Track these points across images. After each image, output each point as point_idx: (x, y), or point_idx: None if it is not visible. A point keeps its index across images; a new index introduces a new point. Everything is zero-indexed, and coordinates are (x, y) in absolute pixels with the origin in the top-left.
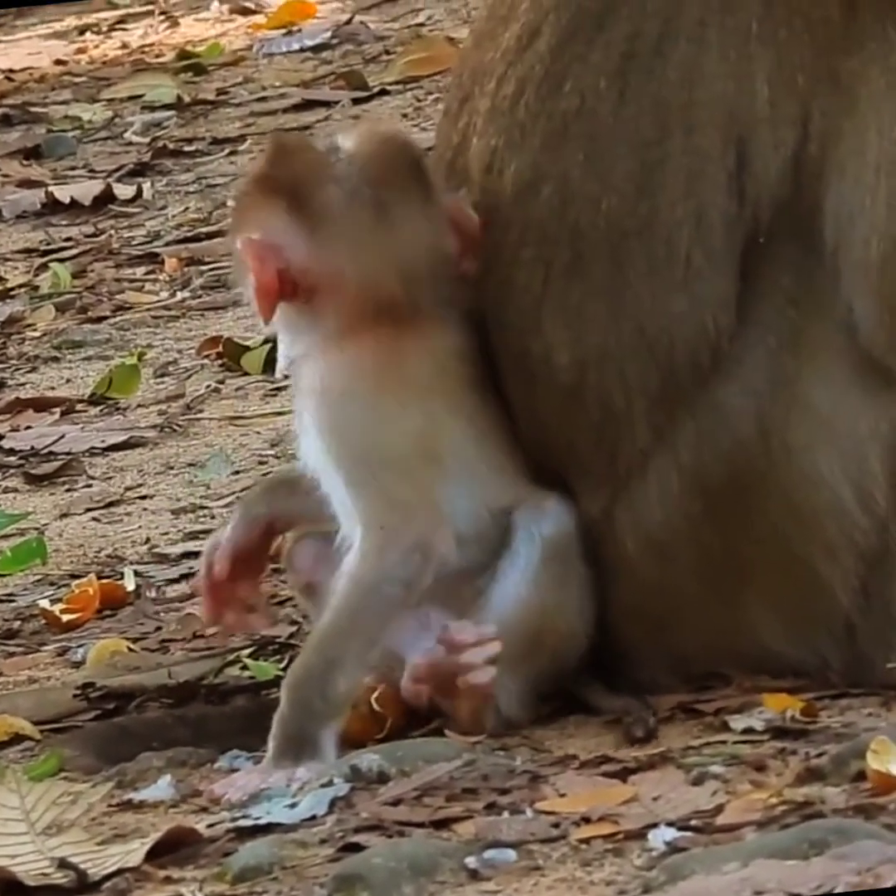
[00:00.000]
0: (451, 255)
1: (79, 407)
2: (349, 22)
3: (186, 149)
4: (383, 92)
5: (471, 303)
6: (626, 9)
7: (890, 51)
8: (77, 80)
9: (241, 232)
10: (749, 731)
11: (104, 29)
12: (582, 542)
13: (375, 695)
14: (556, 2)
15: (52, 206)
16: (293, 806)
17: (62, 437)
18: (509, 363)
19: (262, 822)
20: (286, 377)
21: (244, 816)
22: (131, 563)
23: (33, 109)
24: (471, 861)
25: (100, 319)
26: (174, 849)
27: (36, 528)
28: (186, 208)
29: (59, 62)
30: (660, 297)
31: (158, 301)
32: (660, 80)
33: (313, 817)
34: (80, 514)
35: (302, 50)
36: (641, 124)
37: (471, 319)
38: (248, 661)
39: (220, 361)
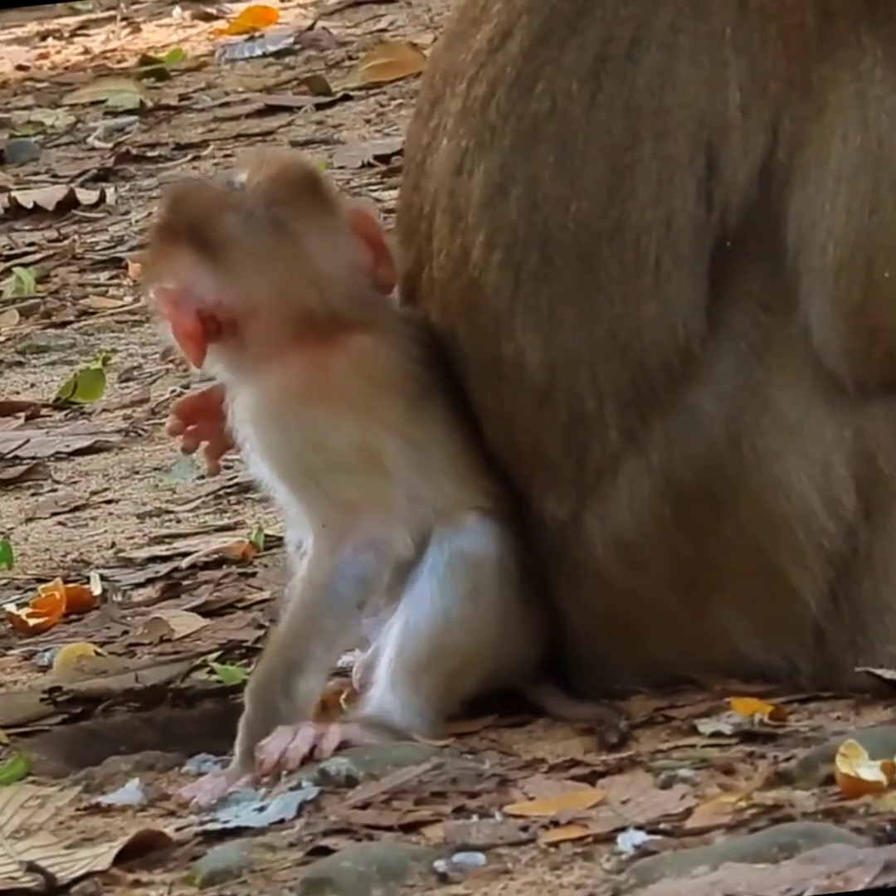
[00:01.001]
0: (362, 264)
1: (43, 411)
2: (312, 27)
3: (149, 154)
4: (346, 97)
5: (404, 310)
6: (599, 12)
7: (862, 56)
8: (39, 85)
9: (152, 285)
10: (718, 735)
11: (66, 35)
12: (509, 566)
13: (344, 695)
14: (529, 4)
15: (16, 212)
16: (262, 809)
17: (27, 441)
18: (479, 367)
19: (230, 825)
20: None
21: (212, 820)
22: (97, 568)
23: None
24: (440, 864)
25: (64, 324)
26: (142, 852)
27: (1, 533)
28: (150, 213)
29: (20, 68)
30: (630, 301)
31: (122, 306)
32: (631, 85)
33: (282, 821)
34: (46, 519)
35: (264, 55)
36: (612, 128)
37: (416, 326)
38: (216, 665)
39: (184, 366)
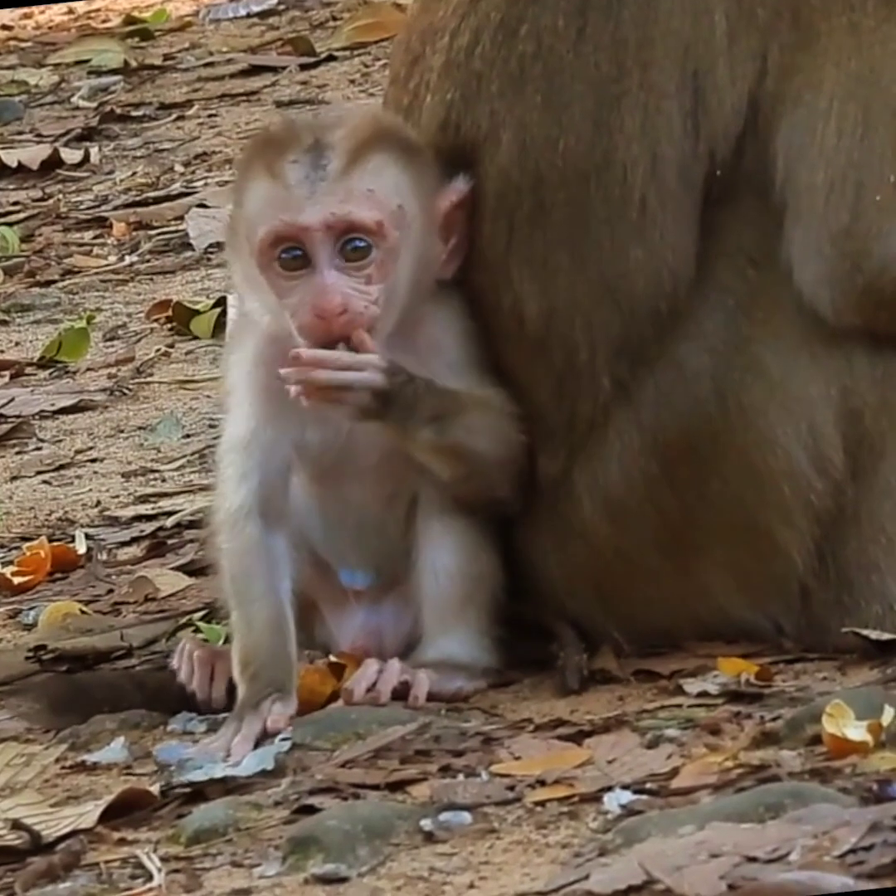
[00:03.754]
0: (437, 262)
1: (28, 370)
2: None
3: (134, 114)
4: (330, 58)
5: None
6: None
7: None
8: (23, 45)
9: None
10: (704, 695)
11: None
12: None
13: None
14: None
15: (0, 171)
16: (236, 764)
17: (11, 400)
18: (481, 320)
19: (206, 777)
20: None
21: (194, 772)
22: (82, 526)
23: None
24: (426, 823)
25: (48, 283)
26: (128, 811)
27: None
28: (134, 173)
29: (4, 27)
30: (617, 243)
31: (107, 265)
32: (617, 17)
33: (264, 773)
34: (31, 477)
35: (249, 16)
36: (599, 62)
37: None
38: (201, 624)
39: (169, 325)
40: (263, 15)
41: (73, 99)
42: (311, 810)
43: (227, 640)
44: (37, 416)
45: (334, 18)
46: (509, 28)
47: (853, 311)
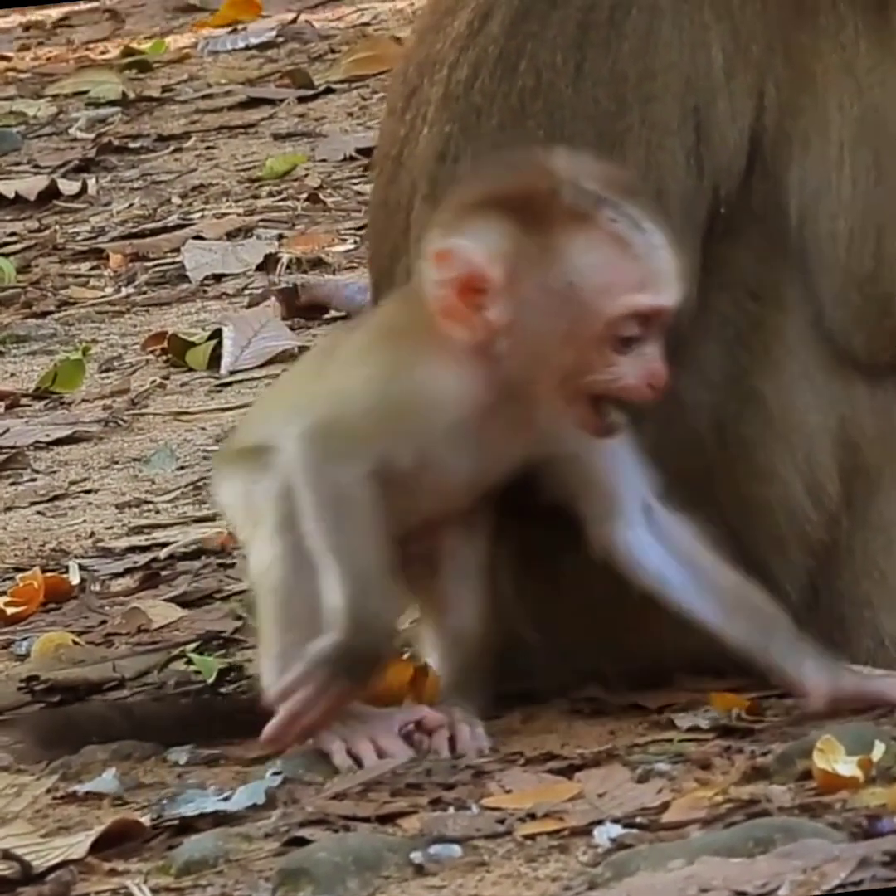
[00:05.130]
0: None
1: (23, 401)
2: (295, 20)
3: (131, 145)
4: (328, 90)
5: None
6: None
7: (841, 26)
8: (21, 76)
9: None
10: (695, 729)
11: (49, 26)
12: None
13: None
14: None
15: None
16: (227, 798)
17: (7, 431)
18: None
19: (196, 811)
20: (231, 373)
21: (183, 806)
22: (76, 557)
23: None
24: (416, 856)
25: (44, 314)
26: (119, 841)
27: None
28: (131, 204)
29: (3, 58)
30: None
31: (103, 296)
32: (616, 52)
33: (254, 807)
34: (25, 508)
35: (247, 48)
36: (599, 97)
37: None
38: (193, 656)
39: (164, 357)
40: (262, 47)
41: (71, 130)
42: (301, 842)
43: (222, 674)
44: (31, 447)
45: (332, 51)
46: (508, 62)
47: (886, 350)
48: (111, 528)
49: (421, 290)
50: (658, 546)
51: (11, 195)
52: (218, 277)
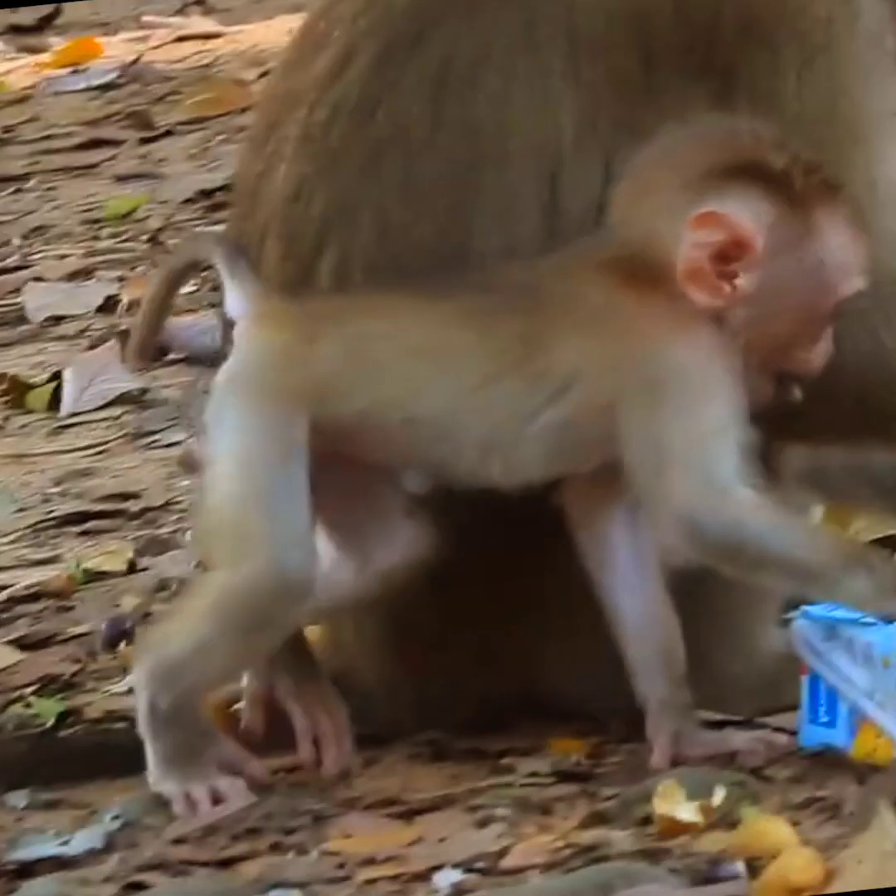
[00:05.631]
0: None
1: None
2: (136, 61)
3: None
4: (170, 132)
5: None
6: (438, 35)
7: (685, 108)
8: None
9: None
10: (535, 774)
11: None
12: None
13: None
14: (369, 27)
15: None
16: (66, 843)
17: None
18: None
19: (34, 856)
20: (71, 415)
21: (22, 848)
22: None
23: None
24: None
25: None
26: None
27: None
28: None
29: None
30: None
31: None
32: (473, 108)
33: (93, 851)
34: None
35: (88, 89)
36: (456, 151)
37: None
38: (32, 699)
39: (4, 399)
40: (104, 88)
41: None
42: (140, 887)
43: (61, 717)
44: None
45: (174, 93)
46: (367, 109)
47: None
48: None
49: (620, 261)
50: (626, 545)
51: None
52: (58, 319)
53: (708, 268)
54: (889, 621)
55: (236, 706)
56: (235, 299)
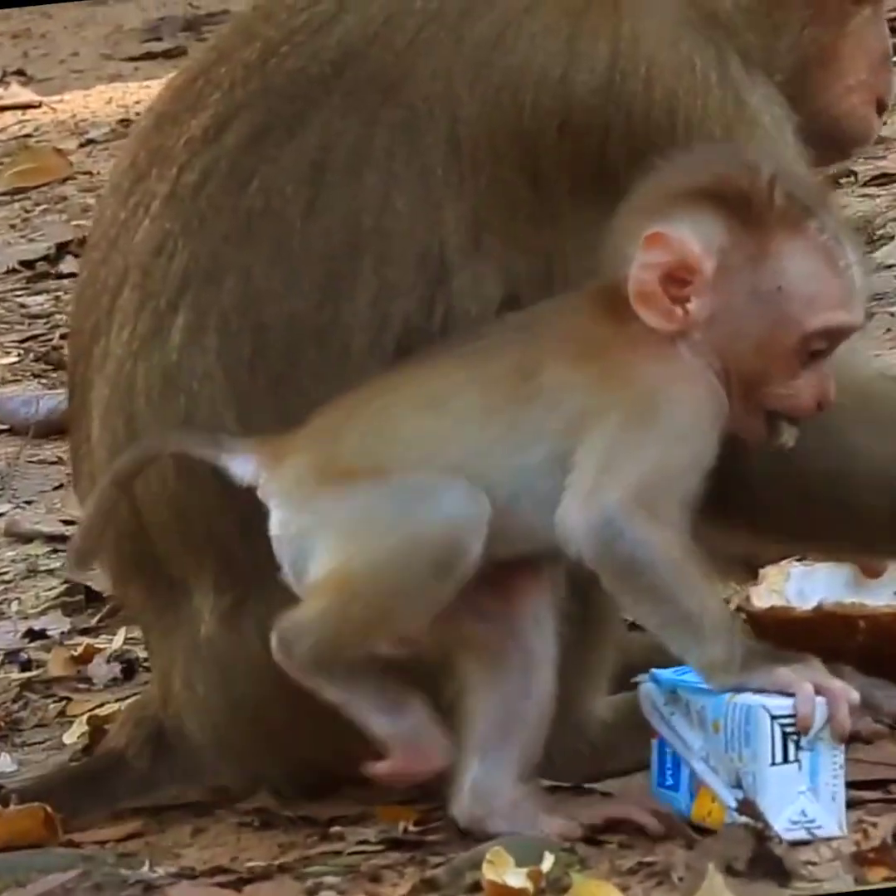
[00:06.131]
0: None
1: None
2: None
3: None
4: None
5: None
6: (317, 120)
7: (585, 228)
8: None
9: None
10: (364, 842)
11: None
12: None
13: None
14: (247, 99)
15: None
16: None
17: None
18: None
19: None
20: None
21: None
22: None
23: None
24: None
25: None
26: None
27: None
28: None
29: None
30: (327, 398)
31: None
32: (351, 200)
33: None
34: None
35: None
36: (331, 237)
37: None
38: None
39: None
40: None
41: None
42: None
43: None
44: None
45: None
46: (239, 179)
47: None
48: None
49: (606, 297)
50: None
51: None
52: None
53: (659, 291)
54: (721, 692)
55: None
56: (240, 465)
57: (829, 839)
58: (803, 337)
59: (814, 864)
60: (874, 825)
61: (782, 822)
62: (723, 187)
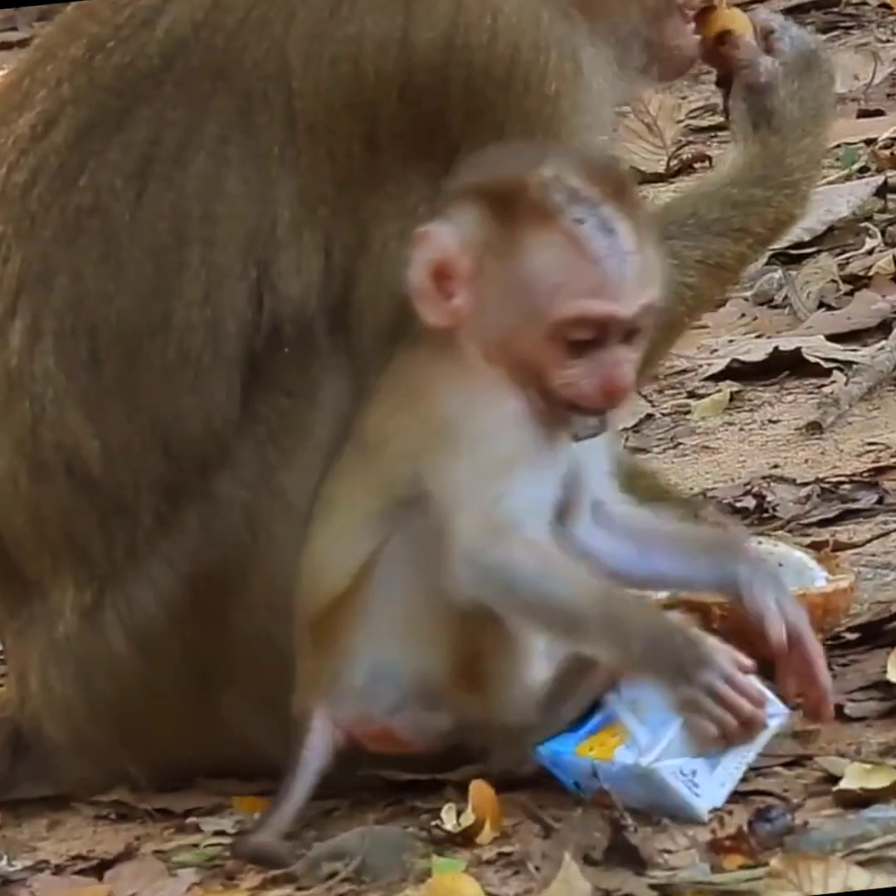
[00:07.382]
0: None
1: None
2: None
3: None
4: None
5: None
6: (146, 112)
7: (407, 192)
8: None
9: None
10: (221, 833)
11: None
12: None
13: None
14: (74, 95)
15: None
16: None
17: None
18: (16, 452)
19: None
20: None
21: None
22: None
23: None
24: None
25: None
26: None
27: None
28: None
29: None
30: (171, 395)
31: None
32: (179, 189)
33: None
34: None
35: None
36: (159, 230)
37: None
38: None
39: None
40: None
41: None
42: None
43: None
44: None
45: None
46: (68, 176)
47: None
48: None
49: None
50: (608, 536)
51: None
52: None
53: (431, 287)
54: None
55: None
56: None
57: (688, 819)
58: (552, 326)
59: (670, 852)
60: (730, 813)
61: (672, 761)
62: (489, 185)
